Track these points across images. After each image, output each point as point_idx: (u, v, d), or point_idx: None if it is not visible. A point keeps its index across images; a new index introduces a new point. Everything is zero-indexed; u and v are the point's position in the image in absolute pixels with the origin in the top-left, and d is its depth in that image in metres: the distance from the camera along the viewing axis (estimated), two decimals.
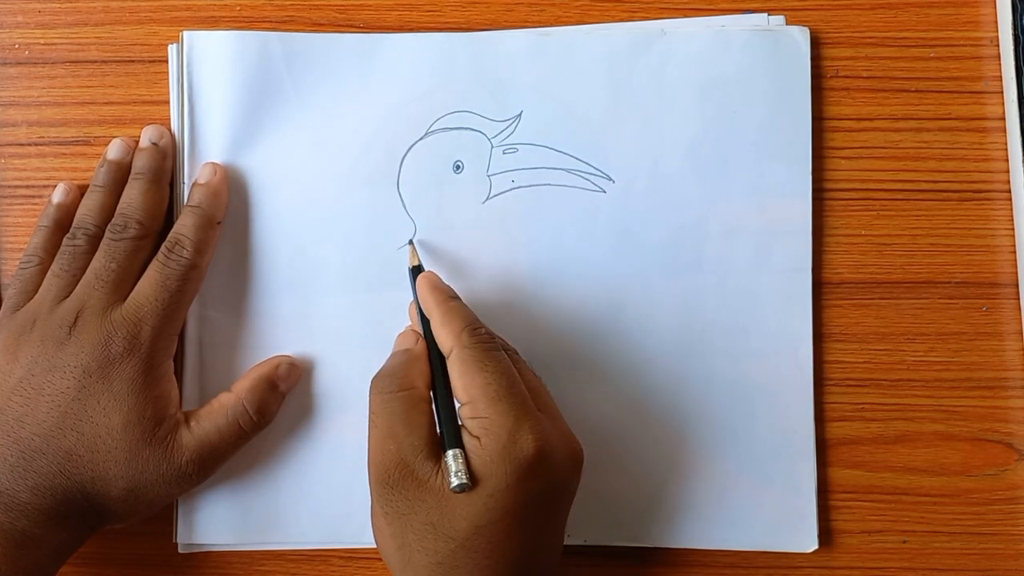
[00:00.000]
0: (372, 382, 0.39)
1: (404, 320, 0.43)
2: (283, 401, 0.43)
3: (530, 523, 0.36)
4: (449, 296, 0.40)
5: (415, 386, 0.38)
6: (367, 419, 0.38)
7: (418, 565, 0.36)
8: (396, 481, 0.36)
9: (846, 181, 0.45)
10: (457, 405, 0.38)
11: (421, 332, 0.40)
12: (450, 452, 0.36)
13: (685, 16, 0.45)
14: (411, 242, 0.44)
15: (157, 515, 0.42)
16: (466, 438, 0.36)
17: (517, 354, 0.40)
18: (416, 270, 0.42)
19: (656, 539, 0.44)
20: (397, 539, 0.36)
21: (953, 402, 0.44)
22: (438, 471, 0.36)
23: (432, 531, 0.36)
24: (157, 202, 0.43)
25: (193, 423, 0.41)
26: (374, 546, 0.43)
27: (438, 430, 0.38)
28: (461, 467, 0.35)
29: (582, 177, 0.44)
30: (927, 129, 0.45)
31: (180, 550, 0.44)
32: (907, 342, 0.45)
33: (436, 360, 0.39)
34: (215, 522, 0.44)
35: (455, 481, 0.35)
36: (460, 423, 0.37)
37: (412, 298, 0.41)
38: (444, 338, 0.38)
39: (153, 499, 0.40)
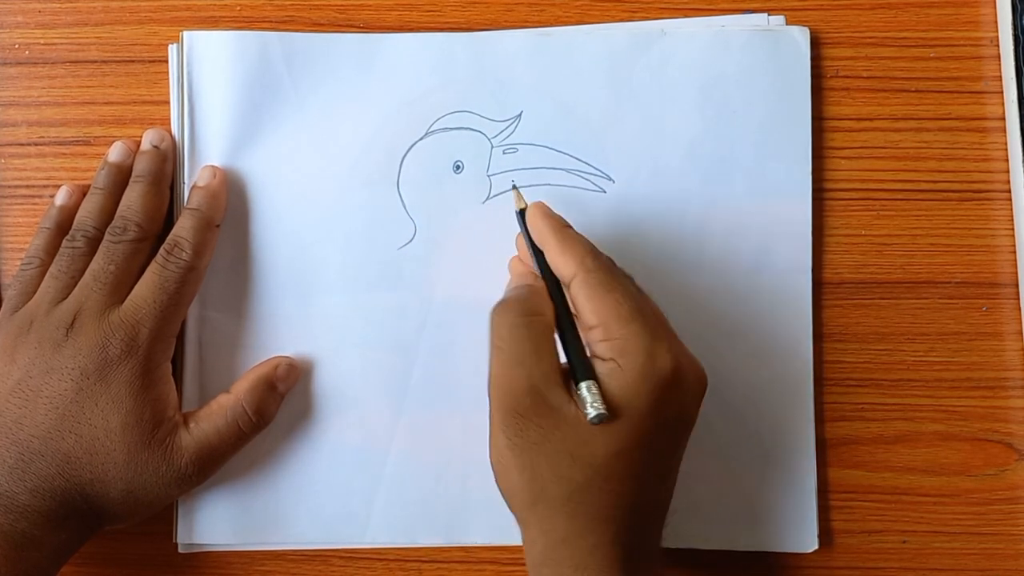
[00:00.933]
0: (496, 309, 0.37)
1: (404, 320, 0.43)
2: (282, 401, 0.43)
3: (662, 449, 0.36)
4: (563, 224, 0.38)
5: (543, 313, 0.37)
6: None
7: (552, 496, 0.35)
8: (527, 409, 0.35)
9: (846, 181, 0.45)
10: (583, 335, 0.37)
11: (531, 264, 0.39)
12: (584, 384, 0.34)
13: (685, 16, 0.45)
14: (515, 186, 0.43)
15: (157, 515, 0.42)
16: (598, 365, 0.35)
17: (635, 281, 0.39)
18: (522, 213, 0.40)
19: None
20: (526, 472, 0.35)
21: (953, 402, 0.44)
22: (570, 400, 0.35)
23: (569, 459, 0.35)
24: (157, 205, 0.43)
25: (192, 425, 0.41)
26: (374, 546, 0.44)
27: (563, 362, 0.36)
28: (597, 398, 0.34)
29: (582, 177, 0.44)
30: (927, 129, 0.45)
31: (180, 550, 0.44)
32: (907, 342, 0.45)
33: (556, 292, 0.38)
34: (215, 522, 0.44)
35: (592, 412, 0.34)
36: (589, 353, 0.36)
37: (520, 232, 0.40)
38: (564, 265, 0.37)
39: (153, 500, 0.40)
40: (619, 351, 0.35)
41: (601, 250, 0.38)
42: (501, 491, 0.37)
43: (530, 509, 0.36)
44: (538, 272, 0.39)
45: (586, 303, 0.36)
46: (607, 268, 0.37)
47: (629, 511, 0.35)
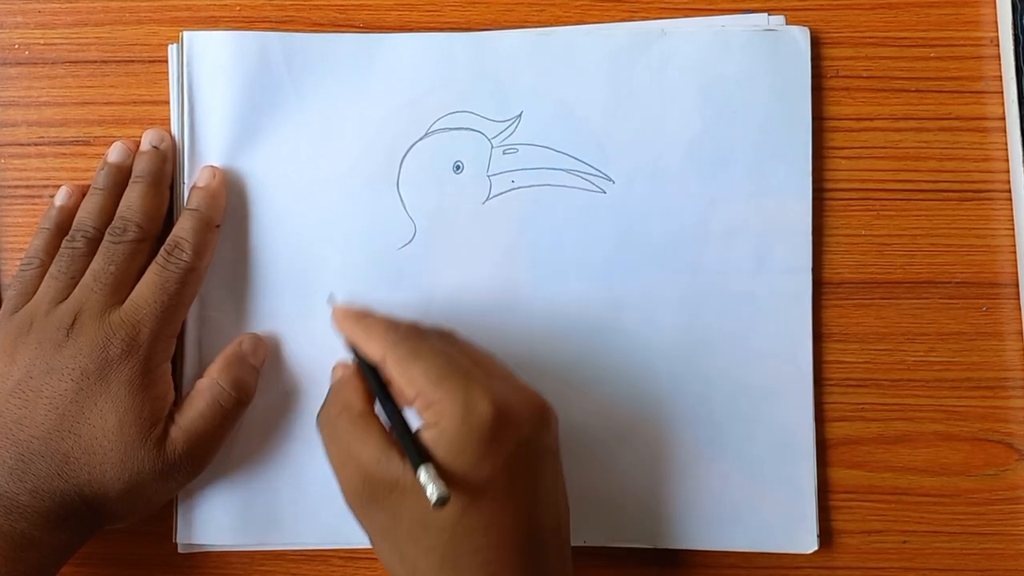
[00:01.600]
0: (316, 421, 0.39)
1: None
2: (259, 375, 0.43)
3: (514, 488, 0.35)
4: (363, 313, 0.39)
5: (352, 403, 0.38)
6: None
7: (424, 570, 0.35)
8: (369, 497, 0.36)
9: (846, 181, 0.45)
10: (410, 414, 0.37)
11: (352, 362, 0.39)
12: (420, 471, 0.34)
13: (685, 16, 0.45)
14: (330, 298, 0.43)
15: (157, 515, 0.42)
16: (425, 434, 0.35)
17: (452, 334, 0.40)
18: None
19: (656, 540, 0.44)
20: (395, 553, 0.36)
21: (953, 402, 0.44)
22: (406, 467, 0.35)
23: (423, 529, 0.35)
24: (157, 205, 0.43)
25: (177, 415, 0.41)
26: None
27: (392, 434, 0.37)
28: (435, 480, 0.34)
29: (582, 177, 0.44)
30: (927, 129, 0.45)
31: (180, 550, 0.44)
32: (907, 342, 0.45)
33: (375, 382, 0.38)
34: (215, 522, 0.44)
35: (434, 498, 0.33)
36: (417, 430, 0.36)
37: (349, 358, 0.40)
38: (373, 349, 0.38)
39: (151, 497, 0.40)
40: (438, 414, 0.35)
41: (402, 319, 0.38)
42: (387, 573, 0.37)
43: None
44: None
45: (399, 378, 0.36)
46: (410, 337, 0.37)
47: (507, 558, 0.35)
